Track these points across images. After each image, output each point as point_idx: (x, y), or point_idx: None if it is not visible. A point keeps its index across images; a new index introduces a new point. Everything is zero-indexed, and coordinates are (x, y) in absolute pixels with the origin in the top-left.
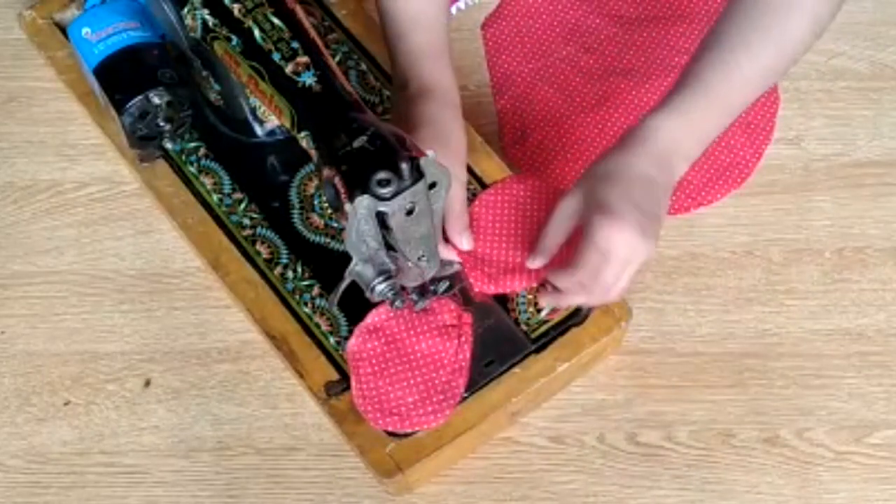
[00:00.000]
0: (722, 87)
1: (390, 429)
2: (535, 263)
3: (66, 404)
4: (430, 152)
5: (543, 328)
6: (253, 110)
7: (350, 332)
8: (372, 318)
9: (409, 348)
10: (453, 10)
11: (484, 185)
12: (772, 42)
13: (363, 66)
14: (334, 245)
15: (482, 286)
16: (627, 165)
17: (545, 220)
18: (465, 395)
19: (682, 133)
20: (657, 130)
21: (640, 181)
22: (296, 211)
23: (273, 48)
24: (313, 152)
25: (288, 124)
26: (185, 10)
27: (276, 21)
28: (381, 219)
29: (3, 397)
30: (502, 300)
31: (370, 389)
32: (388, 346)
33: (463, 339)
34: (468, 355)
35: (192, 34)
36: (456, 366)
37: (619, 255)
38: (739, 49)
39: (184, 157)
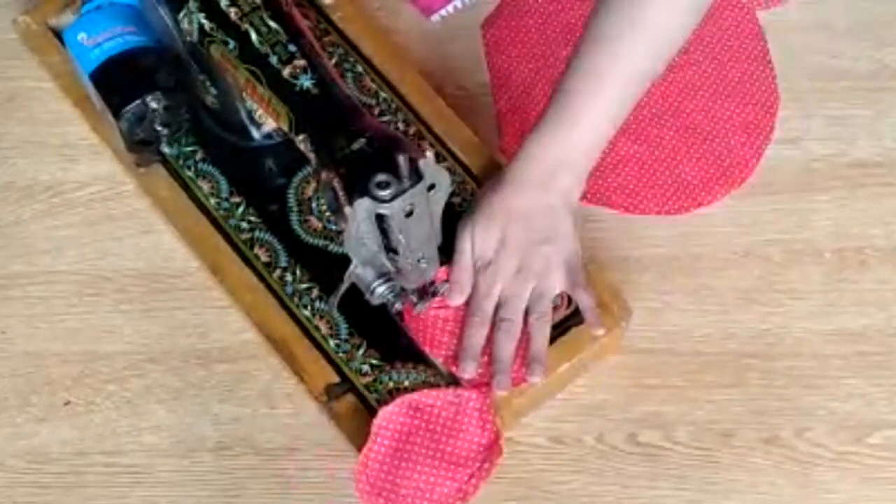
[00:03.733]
0: (592, 95)
1: None
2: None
3: (66, 404)
4: (429, 153)
5: None
6: (249, 113)
7: (350, 333)
8: (423, 396)
9: (439, 444)
10: (450, 8)
11: (481, 186)
12: (636, 40)
13: (359, 69)
14: (333, 248)
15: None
16: (504, 201)
17: None
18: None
19: (560, 150)
20: (532, 158)
21: (518, 213)
22: (294, 214)
23: (270, 51)
24: (312, 155)
25: (286, 128)
26: (182, 14)
27: (272, 24)
28: (381, 221)
29: (3, 397)
30: None
31: (375, 461)
32: (420, 430)
33: (489, 462)
34: (481, 482)
35: (188, 38)
36: (472, 481)
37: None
38: (604, 56)
39: (181, 162)
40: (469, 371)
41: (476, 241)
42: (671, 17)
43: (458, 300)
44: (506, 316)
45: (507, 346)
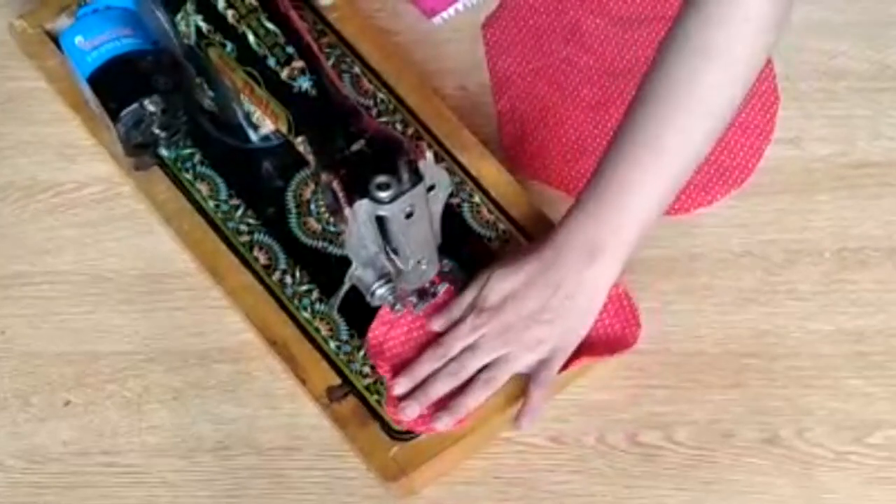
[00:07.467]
0: (639, 179)
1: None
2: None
3: (66, 404)
4: (428, 154)
5: None
6: (247, 116)
7: (350, 335)
8: None
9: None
10: (451, 11)
11: (481, 188)
12: (690, 123)
13: (356, 70)
14: (332, 249)
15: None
16: (540, 262)
17: None
18: None
19: (599, 232)
20: (570, 234)
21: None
22: (292, 216)
23: (268, 53)
24: (311, 157)
25: (284, 130)
26: (179, 16)
27: (270, 26)
28: (381, 222)
29: (3, 397)
30: None
31: None
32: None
33: None
34: None
35: (185, 41)
36: None
37: (490, 302)
38: (651, 143)
39: (179, 165)
40: (404, 386)
41: (489, 282)
42: (721, 94)
43: (437, 326)
44: (463, 361)
45: (441, 385)
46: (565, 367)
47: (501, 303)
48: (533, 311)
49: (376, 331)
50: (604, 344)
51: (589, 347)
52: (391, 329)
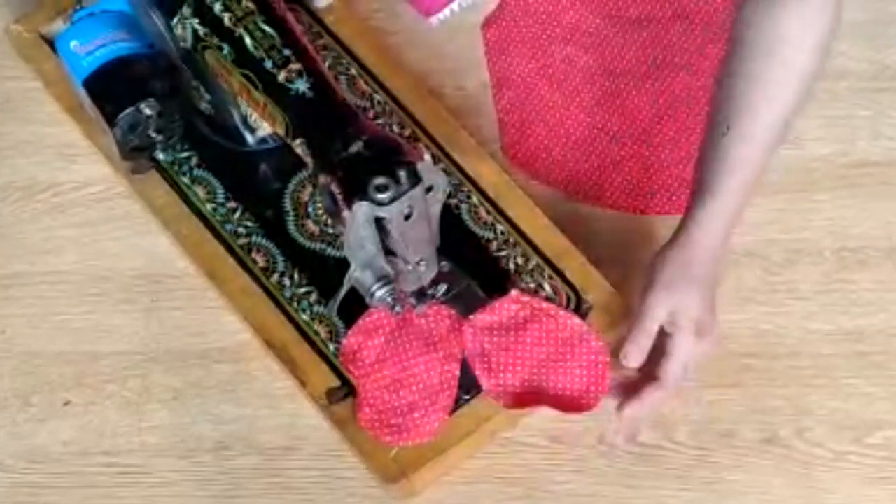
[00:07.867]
0: (731, 184)
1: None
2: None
3: (66, 404)
4: (426, 155)
5: None
6: (244, 118)
7: None
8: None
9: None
10: (448, 11)
11: (480, 189)
12: (763, 121)
13: (353, 72)
14: (331, 251)
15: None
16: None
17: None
18: (468, 397)
19: (712, 239)
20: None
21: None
22: (290, 218)
23: (265, 56)
24: (308, 160)
25: (282, 132)
26: (175, 20)
27: (267, 29)
28: (380, 224)
29: (3, 397)
30: None
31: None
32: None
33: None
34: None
35: (182, 44)
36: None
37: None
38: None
39: (176, 168)
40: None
41: (663, 305)
42: (787, 99)
43: (634, 363)
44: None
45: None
46: (522, 406)
47: (680, 319)
48: (702, 308)
49: (352, 338)
50: (567, 396)
51: (552, 397)
52: (367, 339)
